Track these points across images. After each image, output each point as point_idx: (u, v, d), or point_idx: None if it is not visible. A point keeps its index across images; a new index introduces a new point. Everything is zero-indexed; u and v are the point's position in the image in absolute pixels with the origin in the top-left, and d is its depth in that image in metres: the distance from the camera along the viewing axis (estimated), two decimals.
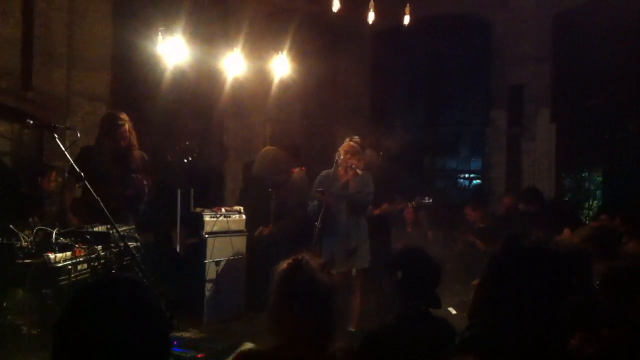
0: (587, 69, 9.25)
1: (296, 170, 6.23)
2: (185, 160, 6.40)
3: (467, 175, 10.96)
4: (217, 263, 6.64)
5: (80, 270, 4.17)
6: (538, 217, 7.14)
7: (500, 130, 9.98)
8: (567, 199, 9.58)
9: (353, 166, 6.04)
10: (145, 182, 5.60)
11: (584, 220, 8.37)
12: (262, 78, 8.55)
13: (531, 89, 9.67)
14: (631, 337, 2.79)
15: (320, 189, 6.01)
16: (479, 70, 10.51)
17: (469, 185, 10.90)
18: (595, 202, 9.22)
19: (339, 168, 6.15)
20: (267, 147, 6.36)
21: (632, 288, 3.04)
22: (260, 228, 6.52)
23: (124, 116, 5.58)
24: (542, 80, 9.62)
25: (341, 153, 6.15)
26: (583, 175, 9.60)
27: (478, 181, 10.66)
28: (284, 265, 2.46)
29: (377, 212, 7.17)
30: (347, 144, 6.22)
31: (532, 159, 9.58)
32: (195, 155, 6.83)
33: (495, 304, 2.25)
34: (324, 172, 6.28)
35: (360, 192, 6.05)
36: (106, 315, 1.57)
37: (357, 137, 6.39)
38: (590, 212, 9.07)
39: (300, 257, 2.47)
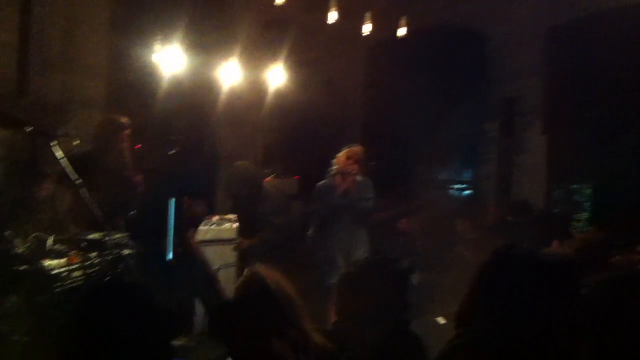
0: (580, 82, 9.33)
1: (267, 180, 6.18)
2: (169, 153, 6.38)
3: (458, 186, 11.02)
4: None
5: (75, 277, 4.18)
6: (527, 229, 7.19)
7: (492, 142, 10.05)
8: (556, 210, 9.64)
9: (353, 172, 6.00)
10: (139, 183, 5.62)
11: (574, 232, 8.42)
12: (257, 87, 8.60)
13: (525, 101, 9.75)
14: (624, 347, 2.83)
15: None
16: (472, 82, 10.58)
17: (460, 196, 10.96)
18: (584, 214, 9.28)
19: (336, 177, 6.09)
20: (237, 163, 6.31)
21: (623, 300, 3.07)
22: (240, 240, 6.44)
23: (124, 120, 5.61)
24: (536, 92, 9.70)
25: (340, 160, 6.11)
26: (573, 187, 9.67)
27: (469, 192, 10.72)
28: (241, 279, 2.49)
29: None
30: (351, 149, 6.18)
31: (523, 170, 9.66)
32: (179, 148, 6.79)
33: (485, 313, 2.29)
34: (319, 184, 6.23)
35: (360, 199, 6.01)
36: (114, 320, 1.60)
37: (357, 144, 6.38)
38: (580, 224, 9.12)
39: (254, 268, 2.50)
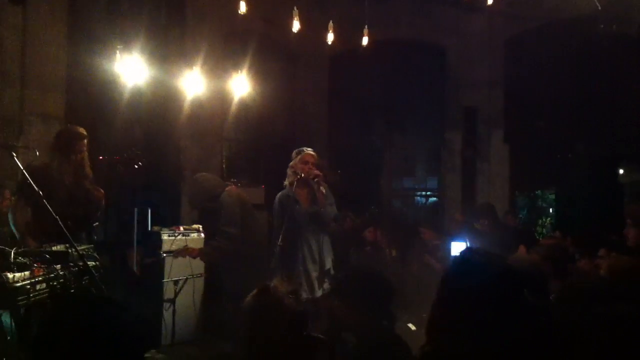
0: (538, 91, 9.54)
1: (227, 189, 6.05)
2: (136, 166, 6.28)
3: (423, 194, 11.13)
4: (176, 283, 6.53)
5: (39, 289, 4.06)
6: (492, 235, 7.27)
7: (454, 151, 10.20)
8: (520, 216, 9.81)
9: (317, 179, 5.86)
10: (101, 194, 5.52)
11: (538, 237, 8.56)
12: (220, 98, 8.55)
13: (484, 111, 9.93)
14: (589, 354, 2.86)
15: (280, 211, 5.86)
16: (433, 93, 10.74)
17: (425, 204, 11.07)
18: (548, 219, 9.46)
19: (298, 185, 5.90)
20: (197, 175, 6.21)
21: (586, 306, 3.11)
22: (185, 246, 6.31)
23: (82, 130, 5.50)
24: (495, 103, 9.89)
25: (299, 166, 5.94)
26: (536, 193, 9.85)
27: (434, 199, 10.84)
28: (254, 292, 2.48)
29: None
30: (307, 154, 6.02)
31: (486, 178, 9.80)
32: (143, 161, 6.69)
33: (452, 320, 2.29)
34: (280, 194, 6.08)
35: (326, 205, 5.90)
36: (84, 334, 1.55)
37: (309, 148, 6.20)
38: (544, 229, 9.29)
39: (268, 284, 2.49)
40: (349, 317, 3.14)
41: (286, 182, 5.95)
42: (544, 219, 9.56)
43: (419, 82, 10.90)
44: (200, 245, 6.38)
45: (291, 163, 5.98)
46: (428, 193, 11.07)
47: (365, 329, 3.11)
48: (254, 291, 2.49)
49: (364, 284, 3.23)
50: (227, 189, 5.96)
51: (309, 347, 2.48)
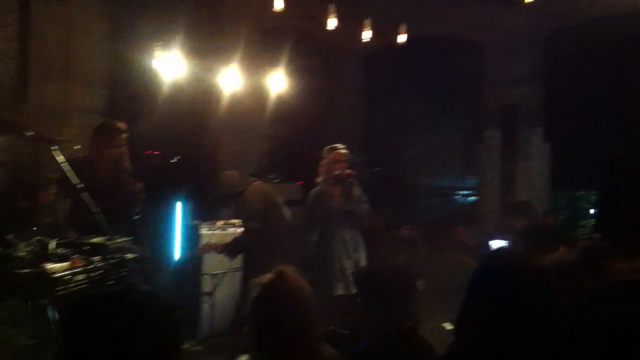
0: (580, 89, 9.36)
1: (252, 185, 6.07)
2: (172, 162, 6.37)
3: (461, 193, 11.02)
4: (214, 276, 6.60)
5: (78, 280, 4.14)
6: (531, 234, 7.15)
7: (494, 150, 10.07)
8: (562, 217, 9.63)
9: (350, 179, 5.88)
10: (140, 188, 5.59)
11: (578, 238, 8.39)
12: (258, 94, 8.59)
13: (524, 108, 9.79)
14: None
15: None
16: (473, 90, 10.62)
17: (463, 203, 10.96)
18: (589, 220, 9.27)
19: (330, 182, 5.92)
20: (224, 172, 6.26)
21: (619, 308, 3.05)
22: (207, 243, 6.37)
23: (121, 124, 5.58)
24: (536, 100, 9.74)
25: (330, 165, 5.96)
26: (578, 194, 9.67)
27: (473, 198, 10.72)
28: (265, 277, 2.47)
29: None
30: (338, 152, 6.02)
31: (526, 177, 9.67)
32: (180, 155, 6.76)
33: (480, 320, 2.27)
34: (313, 192, 6.10)
35: (359, 203, 5.94)
36: (118, 324, 1.56)
37: (341, 145, 6.21)
38: (584, 230, 9.10)
39: (281, 269, 2.49)
40: (364, 316, 3.09)
41: (318, 180, 5.99)
42: (584, 220, 9.36)
43: (457, 79, 10.80)
44: None
45: (322, 162, 6.02)
46: (467, 193, 10.95)
47: (382, 328, 3.05)
48: (268, 277, 2.48)
49: (380, 282, 3.17)
50: (252, 184, 6.00)
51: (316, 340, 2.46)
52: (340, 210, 5.88)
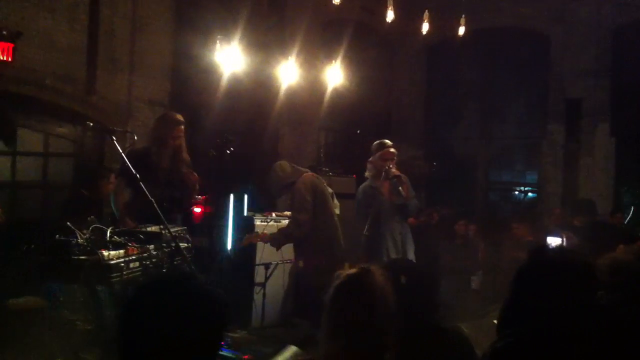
0: None
1: (302, 176, 6.09)
2: (228, 152, 6.46)
3: (522, 189, 10.81)
4: (267, 267, 6.70)
5: (133, 268, 4.29)
6: (591, 232, 6.99)
7: (557, 144, 9.84)
8: (626, 215, 9.34)
9: (395, 179, 5.90)
10: (195, 179, 5.72)
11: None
12: (316, 87, 8.66)
13: (590, 102, 9.53)
14: None
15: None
16: (536, 83, 10.40)
17: (523, 199, 10.75)
18: None
19: (378, 178, 5.95)
20: (276, 162, 6.29)
21: None
22: (247, 235, 6.42)
23: (179, 117, 5.72)
24: (601, 93, 9.47)
25: (379, 162, 5.98)
26: None
27: (533, 195, 10.50)
28: (348, 271, 2.47)
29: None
30: (387, 151, 6.04)
31: (590, 173, 9.41)
32: (235, 147, 6.85)
33: (522, 316, 2.26)
34: (363, 186, 6.13)
35: (411, 197, 5.98)
36: (168, 308, 1.66)
37: (387, 141, 6.22)
38: None
39: (367, 266, 2.48)
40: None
41: (367, 174, 6.03)
42: None
43: (521, 72, 10.58)
44: None
45: (371, 158, 6.05)
46: (527, 189, 10.73)
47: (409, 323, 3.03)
48: (350, 271, 2.47)
49: (403, 274, 3.14)
50: (302, 176, 6.02)
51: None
52: (389, 205, 5.90)
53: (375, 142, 6.14)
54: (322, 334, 2.39)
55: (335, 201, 6.42)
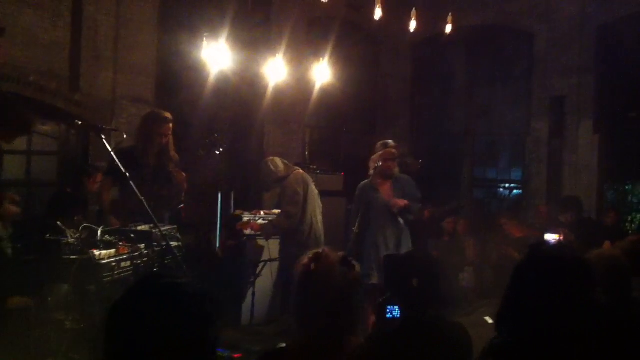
0: (630, 80, 9.12)
1: (293, 172, 6.22)
2: (217, 152, 6.46)
3: (507, 185, 10.87)
4: (256, 265, 6.69)
5: (124, 267, 4.25)
6: (577, 229, 7.05)
7: (541, 141, 9.90)
8: (626, 215, 9.41)
9: (393, 172, 6.00)
10: (183, 177, 5.68)
11: (627, 233, 8.22)
12: (302, 84, 8.63)
13: (573, 100, 9.59)
14: None
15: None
16: (520, 80, 10.46)
17: (508, 195, 10.81)
18: (638, 215, 9.06)
19: (376, 177, 6.07)
20: (267, 158, 6.39)
21: None
22: (249, 220, 6.52)
23: (167, 114, 5.67)
24: (585, 91, 9.53)
25: (379, 160, 6.07)
26: (626, 188, 9.44)
27: (518, 191, 10.56)
28: (304, 259, 2.48)
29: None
30: (388, 151, 6.16)
31: (574, 170, 9.48)
32: (224, 146, 6.85)
33: (521, 314, 2.25)
34: (363, 183, 6.24)
35: (416, 199, 6.07)
36: (156, 314, 1.62)
37: (391, 141, 6.36)
38: (633, 225, 8.91)
39: (320, 250, 2.49)
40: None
41: (370, 172, 6.15)
42: (633, 215, 9.14)
43: (505, 69, 10.65)
44: None
45: (374, 156, 6.15)
46: (512, 185, 10.79)
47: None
48: (306, 257, 2.49)
49: (404, 269, 3.15)
50: (293, 172, 6.16)
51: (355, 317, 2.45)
52: (382, 204, 5.98)
53: (379, 142, 6.30)
54: (293, 325, 2.44)
55: (319, 202, 6.44)
